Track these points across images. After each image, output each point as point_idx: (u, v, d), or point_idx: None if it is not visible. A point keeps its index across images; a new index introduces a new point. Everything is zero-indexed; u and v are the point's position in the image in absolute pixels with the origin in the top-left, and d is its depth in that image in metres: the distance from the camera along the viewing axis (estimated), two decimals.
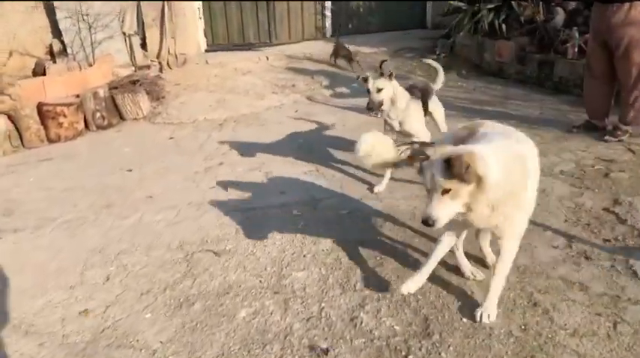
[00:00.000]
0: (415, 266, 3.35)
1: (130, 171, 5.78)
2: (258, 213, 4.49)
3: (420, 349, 2.76)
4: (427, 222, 2.51)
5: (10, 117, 6.55)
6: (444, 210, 2.50)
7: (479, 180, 2.45)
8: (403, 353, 2.74)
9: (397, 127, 4.76)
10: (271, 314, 3.14)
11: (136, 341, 3.00)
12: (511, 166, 2.60)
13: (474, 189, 2.47)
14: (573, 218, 3.96)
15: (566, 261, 3.45)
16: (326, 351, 2.75)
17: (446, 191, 2.47)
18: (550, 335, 2.80)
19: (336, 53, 9.18)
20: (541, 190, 3.58)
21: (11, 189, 5.48)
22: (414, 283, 2.98)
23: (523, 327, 2.88)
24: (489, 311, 2.89)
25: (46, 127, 6.75)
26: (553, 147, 5.31)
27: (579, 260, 3.44)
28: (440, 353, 2.72)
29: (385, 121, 4.81)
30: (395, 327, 2.93)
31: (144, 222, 4.55)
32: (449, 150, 2.57)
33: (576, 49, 6.98)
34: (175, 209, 4.74)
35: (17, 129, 6.61)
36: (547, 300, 3.07)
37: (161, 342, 2.97)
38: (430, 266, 3.02)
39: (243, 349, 2.86)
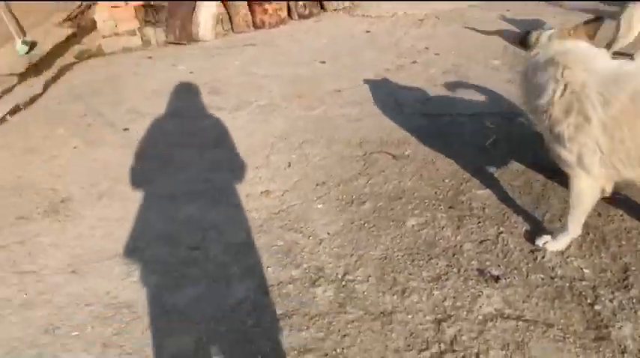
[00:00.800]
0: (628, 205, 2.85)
1: (324, 63, 5.81)
2: (445, 120, 4.21)
3: (611, 301, 2.37)
4: None
5: (223, 3, 6.94)
6: None
7: None
8: (588, 301, 2.38)
9: None
10: (442, 228, 2.98)
11: (306, 228, 3.10)
12: None
13: None
14: None
15: None
16: (496, 278, 2.53)
17: None
18: None
19: None
20: None
21: (219, 71, 5.92)
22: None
23: None
24: None
25: (252, 13, 7.05)
26: None
27: None
28: (636, 312, 2.31)
29: None
30: (584, 270, 2.55)
31: (328, 115, 4.58)
32: None
33: None
34: (360, 105, 4.67)
35: (228, 14, 7.00)
36: None
37: (328, 233, 3.03)
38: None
39: (407, 257, 2.77)
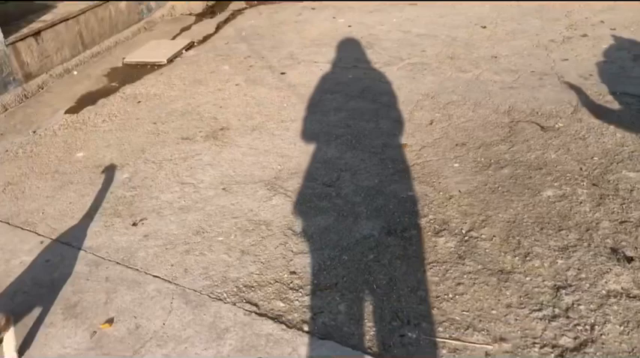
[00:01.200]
0: None
1: (484, 27, 5.64)
2: (607, 98, 3.93)
3: None
4: None
5: None
6: None
7: None
8: None
9: None
10: (580, 203, 2.86)
11: (438, 183, 3.16)
12: None
13: None
14: None
15: None
16: (630, 259, 2.41)
17: None
18: None
19: None
20: None
21: (375, 26, 6.03)
22: None
23: None
24: None
25: None
26: None
27: None
28: None
29: None
30: None
31: (480, 79, 4.49)
32: None
33: None
34: (516, 74, 4.52)
35: None
36: None
37: (459, 191, 3.06)
38: None
39: (536, 225, 2.73)
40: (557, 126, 3.65)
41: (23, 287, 2.56)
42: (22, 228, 3.02)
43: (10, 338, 2.07)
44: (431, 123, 3.86)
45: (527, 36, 5.27)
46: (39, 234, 2.95)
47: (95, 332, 2.28)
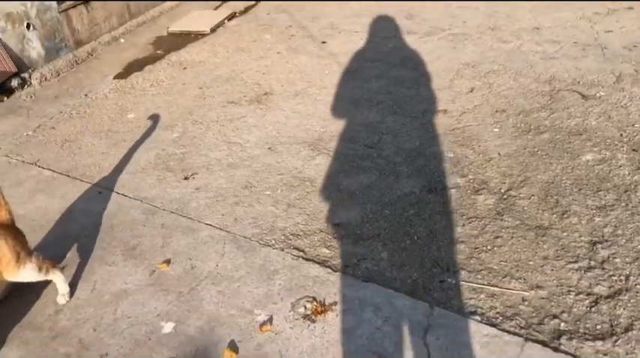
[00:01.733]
0: None
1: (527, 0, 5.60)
2: None
3: None
4: None
5: None
6: None
7: None
8: None
9: None
10: (619, 167, 2.91)
11: (477, 146, 3.23)
12: None
13: None
14: None
15: None
16: None
17: None
18: None
19: None
20: None
21: None
22: None
23: None
24: None
25: None
26: None
27: None
28: None
29: None
30: None
31: (522, 49, 4.50)
32: None
33: None
34: (558, 44, 4.51)
35: None
36: None
37: (499, 154, 3.13)
38: None
39: (575, 186, 2.79)
40: (598, 94, 3.66)
41: (85, 231, 2.77)
42: (80, 180, 3.22)
43: (60, 278, 2.27)
44: (471, 91, 3.91)
45: (570, 8, 5.22)
46: (97, 185, 3.15)
47: (154, 271, 2.46)
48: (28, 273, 2.20)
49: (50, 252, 2.59)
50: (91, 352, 2.05)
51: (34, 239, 2.68)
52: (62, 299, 2.29)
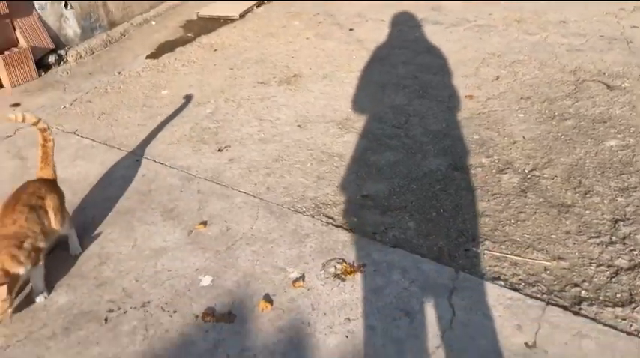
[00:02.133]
0: None
1: None
2: None
3: None
4: None
5: None
6: None
7: None
8: None
9: None
10: None
11: (502, 129, 3.32)
12: None
13: None
14: None
15: None
16: None
17: None
18: None
19: None
20: None
21: None
22: None
23: None
24: None
25: None
26: None
27: None
28: None
29: None
30: None
31: (548, 41, 4.57)
32: None
33: None
34: (584, 37, 4.57)
35: None
36: None
37: (523, 137, 3.22)
38: None
39: (598, 169, 2.87)
40: (623, 85, 3.72)
41: (125, 194, 2.91)
42: (118, 149, 3.36)
43: (74, 235, 2.45)
44: (497, 79, 3.99)
45: (596, 4, 5.27)
46: (134, 154, 3.29)
47: (191, 231, 2.59)
48: (68, 226, 2.35)
49: (92, 213, 2.74)
50: (134, 299, 2.19)
51: (75, 200, 2.83)
52: (77, 251, 2.46)
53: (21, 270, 1.99)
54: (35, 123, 2.35)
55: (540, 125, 3.34)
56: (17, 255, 1.98)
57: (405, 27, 5.15)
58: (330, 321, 2.04)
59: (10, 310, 1.92)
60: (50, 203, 2.23)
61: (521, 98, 3.68)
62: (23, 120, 2.32)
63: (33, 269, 2.08)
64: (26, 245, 2.04)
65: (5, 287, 1.85)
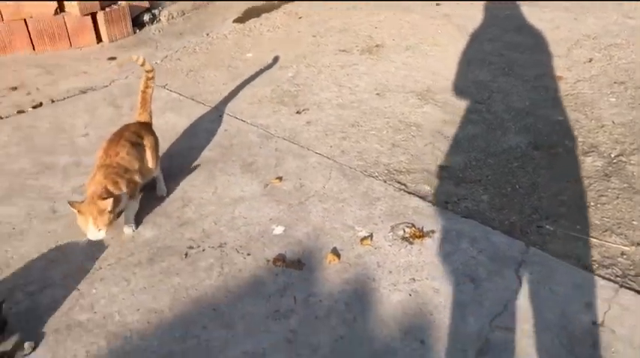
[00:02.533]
0: None
1: None
2: None
3: None
4: None
5: None
6: None
7: None
8: None
9: None
10: None
11: (590, 112, 3.20)
12: None
13: None
14: None
15: None
16: None
17: None
18: None
19: None
20: None
21: None
22: None
23: None
24: None
25: None
26: None
27: None
28: None
29: None
30: None
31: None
32: None
33: None
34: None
35: None
36: None
37: (613, 122, 3.09)
38: None
39: None
40: None
41: (208, 145, 3.06)
42: (204, 104, 3.52)
43: (160, 176, 2.62)
44: (589, 61, 3.82)
45: None
46: (218, 110, 3.44)
47: (267, 184, 2.70)
48: (158, 168, 2.54)
49: (178, 160, 2.90)
50: (212, 240, 2.32)
51: (164, 147, 3.01)
52: (163, 192, 2.62)
53: (121, 195, 2.18)
54: (149, 71, 2.59)
55: (632, 111, 3.18)
56: (119, 182, 2.20)
57: (495, 5, 4.99)
58: (394, 279, 2.09)
59: (111, 224, 2.10)
60: (147, 143, 2.43)
61: (615, 82, 3.51)
62: (143, 64, 2.57)
63: (129, 201, 2.27)
64: (127, 175, 2.24)
65: (111, 200, 2.05)
